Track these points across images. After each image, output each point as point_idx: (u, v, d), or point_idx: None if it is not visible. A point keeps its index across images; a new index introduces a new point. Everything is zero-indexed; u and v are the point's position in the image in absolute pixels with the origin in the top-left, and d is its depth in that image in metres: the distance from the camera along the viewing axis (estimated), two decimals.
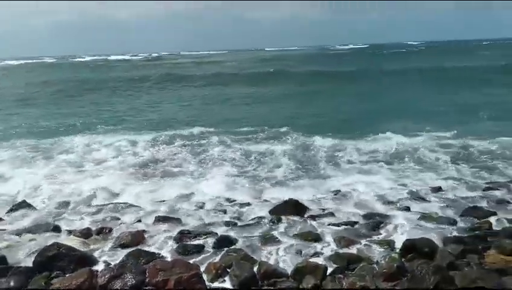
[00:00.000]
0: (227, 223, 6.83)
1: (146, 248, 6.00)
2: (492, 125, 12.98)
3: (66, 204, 7.99)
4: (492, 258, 4.93)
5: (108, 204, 7.87)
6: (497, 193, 7.77)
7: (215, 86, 28.80)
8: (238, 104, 20.37)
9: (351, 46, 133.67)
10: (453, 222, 6.49)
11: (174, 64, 60.32)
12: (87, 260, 5.45)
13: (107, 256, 5.79)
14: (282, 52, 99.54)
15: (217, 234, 6.37)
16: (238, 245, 6.03)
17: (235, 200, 7.92)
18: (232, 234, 6.41)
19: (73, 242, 5.94)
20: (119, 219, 7.21)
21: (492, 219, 6.51)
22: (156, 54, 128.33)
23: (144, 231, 6.58)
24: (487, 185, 8.20)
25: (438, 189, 8.13)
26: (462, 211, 6.91)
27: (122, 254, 5.75)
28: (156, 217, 7.07)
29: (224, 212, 7.40)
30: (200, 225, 6.83)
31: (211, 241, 6.13)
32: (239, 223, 6.90)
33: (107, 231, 6.59)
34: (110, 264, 5.44)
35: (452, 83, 23.22)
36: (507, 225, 6.29)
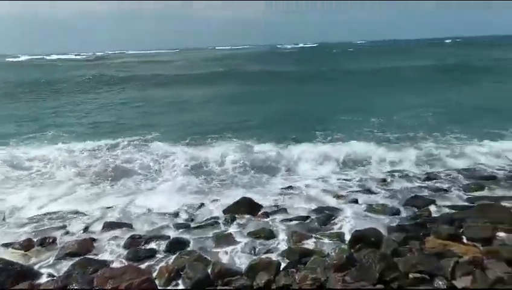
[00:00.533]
0: (179, 226, 6.72)
1: (94, 257, 5.75)
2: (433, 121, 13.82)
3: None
4: (431, 243, 5.28)
5: (52, 213, 7.43)
6: (436, 183, 8.33)
7: (154, 88, 27.06)
8: (179, 107, 19.02)
9: (302, 45, 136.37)
10: (397, 212, 6.88)
11: (116, 64, 56.98)
12: (28, 274, 5.11)
13: (51, 268, 5.47)
14: (234, 51, 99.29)
15: (169, 237, 6.26)
16: (192, 247, 5.97)
17: (187, 203, 7.80)
18: (185, 236, 6.32)
19: (12, 255, 5.55)
20: (64, 227, 6.84)
21: (432, 207, 6.99)
22: (101, 53, 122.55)
23: (91, 238, 6.30)
24: (427, 176, 8.77)
25: (382, 181, 8.56)
26: (405, 201, 7.34)
27: (68, 264, 5.47)
28: (104, 224, 6.79)
29: (177, 215, 7.27)
30: (152, 229, 6.66)
31: (163, 245, 6.00)
32: (192, 225, 6.81)
33: (50, 241, 6.22)
34: (54, 276, 5.14)
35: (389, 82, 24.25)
36: (444, 211, 6.78)
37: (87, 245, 6.01)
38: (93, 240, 6.27)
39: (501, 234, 5.47)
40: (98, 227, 6.77)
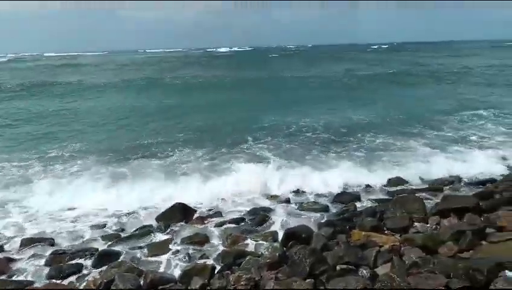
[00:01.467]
0: (108, 237, 6.40)
1: (12, 278, 5.25)
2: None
3: None
4: (356, 236, 5.64)
5: None
6: (361, 175, 8.87)
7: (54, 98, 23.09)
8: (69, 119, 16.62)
9: (236, 48, 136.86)
10: (326, 208, 7.25)
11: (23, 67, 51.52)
12: None
13: None
14: (164, 54, 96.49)
15: (97, 249, 5.92)
16: (122, 258, 5.72)
17: (117, 210, 7.44)
18: (115, 247, 6.03)
19: None
20: None
21: (357, 202, 7.47)
22: (13, 55, 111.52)
23: (7, 258, 5.73)
24: (356, 167, 9.32)
25: (313, 180, 8.92)
26: (333, 198, 7.75)
27: None
28: (21, 241, 6.22)
29: (104, 225, 6.89)
30: (77, 242, 6.25)
31: (90, 259, 5.66)
32: (123, 235, 6.53)
33: None
34: None
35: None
36: (368, 205, 7.28)
37: (2, 266, 5.46)
38: (10, 260, 5.71)
39: (416, 223, 6.02)
40: (14, 245, 6.18)
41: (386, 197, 7.76)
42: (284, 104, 18.70)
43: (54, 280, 5.16)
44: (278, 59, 63.11)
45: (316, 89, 24.38)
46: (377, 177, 8.71)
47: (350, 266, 4.69)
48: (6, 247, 6.18)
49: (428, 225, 5.96)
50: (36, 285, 5.07)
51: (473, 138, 12.05)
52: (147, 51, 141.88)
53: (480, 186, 7.82)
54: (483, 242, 4.87)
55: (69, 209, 7.56)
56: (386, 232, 5.84)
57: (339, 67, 39.71)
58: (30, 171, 9.74)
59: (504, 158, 9.77)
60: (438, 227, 5.82)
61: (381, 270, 4.65)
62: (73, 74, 39.45)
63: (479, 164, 9.29)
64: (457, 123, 14.06)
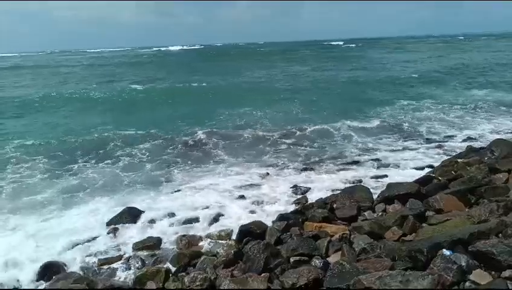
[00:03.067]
0: (53, 247, 6.02)
1: None
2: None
3: None
4: (309, 227, 5.79)
5: None
6: (312, 172, 9.16)
7: None
8: None
9: (186, 47, 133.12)
10: (279, 202, 7.36)
11: None
12: None
13: None
14: (108, 54, 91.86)
15: (41, 261, 5.56)
16: (70, 269, 5.44)
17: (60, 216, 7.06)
18: (60, 258, 5.70)
19: None
20: None
21: (308, 194, 7.66)
22: None
23: None
24: (304, 166, 9.58)
25: (266, 175, 9.05)
26: (286, 191, 7.89)
27: None
28: None
29: (49, 232, 6.50)
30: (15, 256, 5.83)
31: (33, 271, 5.31)
32: (70, 244, 6.17)
33: None
34: None
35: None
36: (318, 196, 7.49)
37: None
38: None
39: (363, 211, 6.30)
40: None
41: (336, 187, 8.04)
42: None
43: None
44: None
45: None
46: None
47: (303, 257, 4.80)
48: None
49: (375, 213, 6.26)
50: None
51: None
52: (88, 50, 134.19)
53: (421, 171, 8.34)
54: (424, 225, 5.20)
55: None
56: (336, 222, 6.05)
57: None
58: None
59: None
60: (384, 214, 6.13)
61: (333, 258, 4.81)
62: None
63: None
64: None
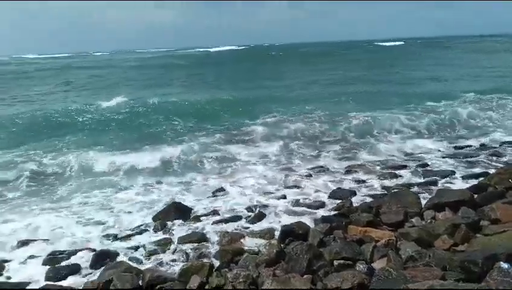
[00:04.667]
0: (106, 237, 6.40)
1: (7, 279, 5.22)
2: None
3: None
4: (352, 231, 5.68)
5: None
6: (356, 175, 8.97)
7: None
8: None
9: (221, 48, 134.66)
10: (322, 204, 7.29)
11: None
12: None
13: None
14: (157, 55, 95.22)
15: (94, 250, 5.91)
16: (120, 258, 5.71)
17: (113, 210, 7.44)
18: (112, 247, 6.02)
19: None
20: None
21: (353, 198, 7.51)
22: None
23: (2, 260, 5.70)
24: (347, 169, 9.39)
25: (308, 176, 8.99)
26: (329, 194, 7.79)
27: None
28: (18, 242, 6.19)
29: (102, 224, 6.89)
30: (74, 242, 6.23)
31: (87, 259, 5.65)
32: (120, 235, 6.51)
33: None
34: None
35: None
36: (364, 200, 7.33)
37: None
38: (5, 261, 5.69)
39: (411, 218, 6.08)
40: (8, 246, 6.15)
41: (382, 192, 7.82)
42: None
43: (51, 281, 5.12)
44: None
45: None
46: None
47: (347, 261, 4.73)
48: (2, 249, 6.14)
49: (423, 219, 6.02)
50: (33, 286, 5.05)
51: None
52: (136, 51, 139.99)
53: (474, 179, 7.90)
54: (478, 235, 4.93)
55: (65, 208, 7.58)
56: (382, 227, 5.89)
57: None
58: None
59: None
60: (433, 221, 5.88)
61: (378, 264, 4.70)
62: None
63: None
64: None
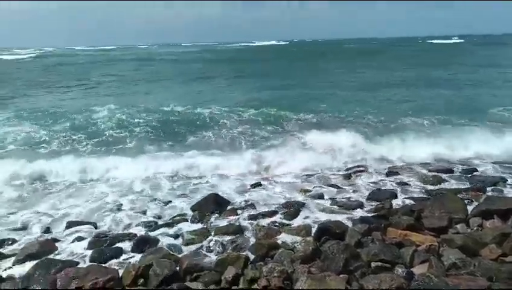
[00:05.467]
0: (147, 224, 6.65)
1: (57, 257, 5.58)
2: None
3: None
4: (392, 234, 5.53)
5: (11, 213, 7.12)
6: (397, 176, 8.69)
7: None
8: None
9: (266, 42, 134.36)
10: (360, 205, 7.13)
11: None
12: None
13: (10, 270, 5.26)
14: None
15: (135, 235, 6.17)
16: (159, 245, 5.91)
17: (155, 199, 7.72)
18: (152, 234, 6.25)
19: None
20: (24, 228, 6.58)
21: (393, 199, 7.29)
22: (33, 50, 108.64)
23: (53, 239, 6.10)
24: (389, 170, 9.12)
25: (348, 176, 8.82)
26: (369, 195, 7.62)
27: (29, 266, 5.26)
28: (67, 223, 6.59)
29: (144, 212, 7.18)
30: (118, 227, 6.55)
31: (129, 243, 5.91)
32: (160, 222, 6.76)
33: (9, 242, 5.98)
34: (14, 278, 4.95)
35: None
36: (405, 203, 7.10)
37: (49, 246, 5.82)
38: (56, 240, 6.08)
39: (455, 224, 5.81)
40: (60, 227, 6.57)
41: (424, 195, 7.53)
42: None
43: (96, 262, 5.41)
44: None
45: None
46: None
47: (385, 264, 4.62)
48: (52, 228, 6.58)
49: (469, 227, 5.74)
50: (80, 265, 5.35)
51: None
52: (183, 44, 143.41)
53: None
54: None
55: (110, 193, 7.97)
56: (423, 231, 5.68)
57: None
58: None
59: None
60: (480, 229, 5.59)
61: (418, 270, 4.54)
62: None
63: None
64: None
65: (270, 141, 11.59)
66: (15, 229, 6.54)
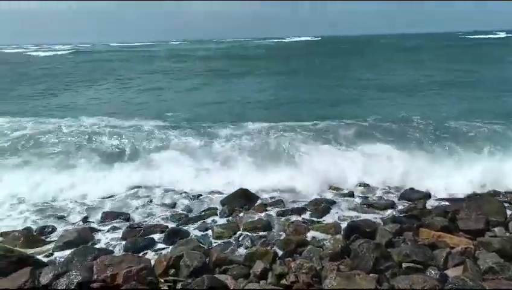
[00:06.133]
0: (178, 216, 6.81)
1: (94, 246, 5.83)
2: None
3: None
4: (425, 235, 5.39)
5: (51, 202, 7.50)
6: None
7: None
8: None
9: (296, 38, 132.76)
10: (392, 204, 6.99)
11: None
12: (28, 261, 5.14)
13: (50, 256, 5.55)
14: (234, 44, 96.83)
15: (167, 227, 6.33)
16: (189, 237, 6.05)
17: (185, 192, 7.88)
18: (183, 226, 6.41)
19: (12, 243, 5.61)
20: (63, 217, 6.91)
21: (427, 200, 7.09)
22: (68, 46, 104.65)
23: (90, 228, 6.36)
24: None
25: (379, 175, 8.62)
26: (400, 194, 7.44)
27: (67, 252, 5.54)
28: (102, 213, 6.86)
29: (174, 205, 7.35)
30: (150, 219, 6.75)
31: (161, 235, 6.08)
32: (190, 215, 6.90)
33: (50, 229, 6.30)
34: (53, 263, 5.21)
35: None
36: (439, 204, 6.89)
37: (86, 234, 6.08)
38: (92, 229, 6.34)
39: (493, 227, 5.58)
40: (97, 217, 6.85)
41: (459, 196, 7.27)
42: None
43: (129, 252, 5.60)
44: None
45: None
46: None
47: (417, 265, 4.52)
48: (89, 218, 6.87)
49: (508, 230, 5.50)
50: (115, 254, 5.57)
51: None
52: (213, 40, 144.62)
53: None
54: None
55: (143, 187, 8.20)
56: (458, 233, 5.49)
57: None
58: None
59: None
60: None
61: (452, 272, 4.42)
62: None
63: None
64: None
65: (307, 140, 11.06)
66: (55, 217, 6.87)
